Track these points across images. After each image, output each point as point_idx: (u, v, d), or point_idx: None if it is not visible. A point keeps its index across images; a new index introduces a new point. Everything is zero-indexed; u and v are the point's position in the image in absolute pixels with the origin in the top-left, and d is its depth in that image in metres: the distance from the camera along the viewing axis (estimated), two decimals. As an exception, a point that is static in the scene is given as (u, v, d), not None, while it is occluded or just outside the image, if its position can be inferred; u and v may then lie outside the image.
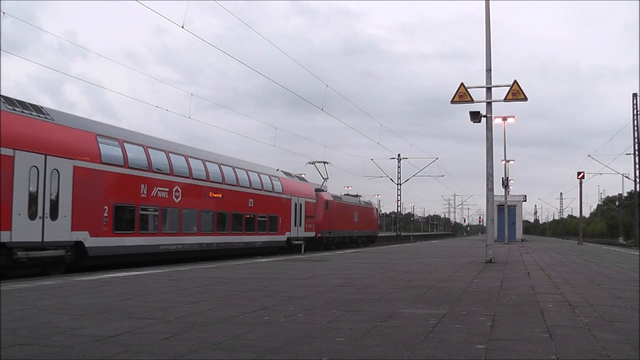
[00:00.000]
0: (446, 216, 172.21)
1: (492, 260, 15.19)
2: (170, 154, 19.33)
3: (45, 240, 13.66)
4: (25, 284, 9.17)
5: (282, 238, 27.66)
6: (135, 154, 17.41)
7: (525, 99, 15.39)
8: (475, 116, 15.51)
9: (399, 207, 63.95)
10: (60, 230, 14.18)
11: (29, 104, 14.42)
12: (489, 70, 15.77)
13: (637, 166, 47.57)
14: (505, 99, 15.54)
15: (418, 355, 3.97)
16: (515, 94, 15.34)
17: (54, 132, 14.45)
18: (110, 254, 16.08)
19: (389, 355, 3.97)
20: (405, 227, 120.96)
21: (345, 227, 38.10)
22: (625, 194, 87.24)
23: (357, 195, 45.42)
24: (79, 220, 14.75)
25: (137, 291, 7.98)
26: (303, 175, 33.52)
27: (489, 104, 15.76)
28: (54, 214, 14.00)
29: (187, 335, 4.66)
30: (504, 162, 40.63)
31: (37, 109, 14.54)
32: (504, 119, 33.63)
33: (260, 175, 26.01)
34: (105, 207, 15.82)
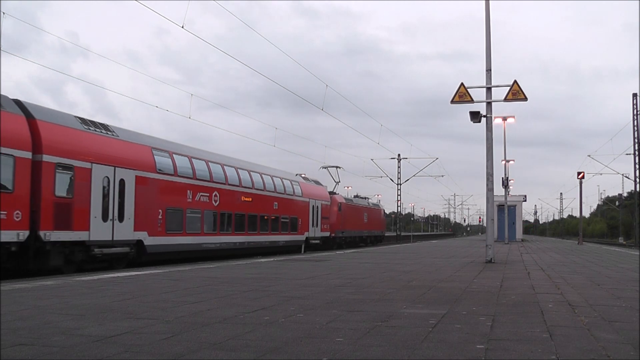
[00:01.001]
0: (446, 216, 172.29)
1: (492, 260, 15.19)
2: (209, 163, 21.70)
3: (114, 239, 15.99)
4: (25, 284, 9.17)
5: (302, 237, 29.95)
6: (182, 163, 19.80)
7: (525, 99, 15.39)
8: (475, 116, 15.51)
9: (399, 207, 63.93)
10: (126, 231, 16.48)
11: (99, 123, 16.67)
12: (489, 70, 15.76)
13: (637, 166, 47.57)
14: (505, 99, 15.53)
15: (418, 355, 3.97)
16: (515, 94, 15.33)
17: (120, 147, 16.82)
18: (164, 252, 18.33)
19: (389, 355, 3.97)
20: (405, 227, 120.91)
21: (356, 228, 40.40)
22: (625, 194, 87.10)
23: (365, 198, 47.16)
24: (140, 222, 17.06)
25: (137, 291, 7.98)
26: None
27: (489, 104, 15.76)
28: (120, 217, 16.27)
29: (187, 335, 4.66)
30: (504, 162, 40.64)
31: (105, 127, 16.81)
32: (504, 119, 33.62)
33: (283, 180, 28.44)
34: (160, 210, 18.20)
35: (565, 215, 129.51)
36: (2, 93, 13.77)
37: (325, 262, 15.32)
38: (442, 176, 63.38)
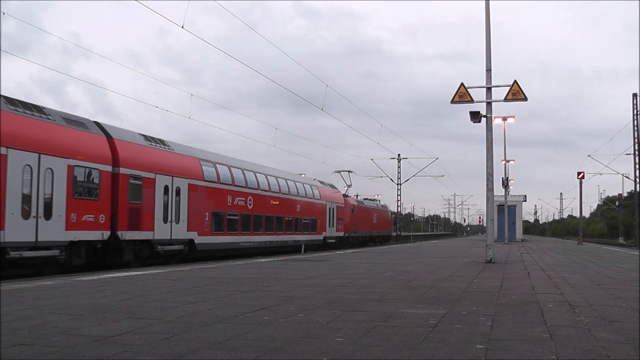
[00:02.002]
0: (446, 216, 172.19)
1: (492, 260, 15.18)
2: (244, 171, 24.53)
3: (172, 237, 18.70)
4: (25, 284, 9.17)
5: (320, 237, 33.07)
6: (223, 172, 22.53)
7: (525, 99, 15.38)
8: (475, 116, 15.50)
9: (399, 207, 63.89)
10: (181, 231, 19.20)
11: (157, 139, 19.32)
12: (489, 70, 15.76)
13: (637, 166, 47.57)
14: (505, 99, 15.53)
15: (418, 355, 3.97)
16: (515, 94, 15.33)
17: (175, 159, 19.53)
18: (210, 249, 20.97)
19: (389, 355, 3.97)
20: (406, 227, 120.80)
21: (367, 228, 43.61)
22: (625, 194, 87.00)
23: (374, 200, 50.69)
24: (192, 223, 19.77)
25: (137, 291, 7.98)
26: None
27: (489, 104, 15.75)
28: (177, 219, 18.96)
29: (187, 335, 4.66)
30: (504, 162, 40.63)
31: (162, 142, 19.51)
32: (504, 119, 33.59)
33: (304, 185, 31.44)
34: (207, 213, 20.93)
35: (565, 215, 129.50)
36: (86, 117, 16.58)
37: (325, 262, 15.32)
38: (442, 176, 63.27)
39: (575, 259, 18.19)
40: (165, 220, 18.27)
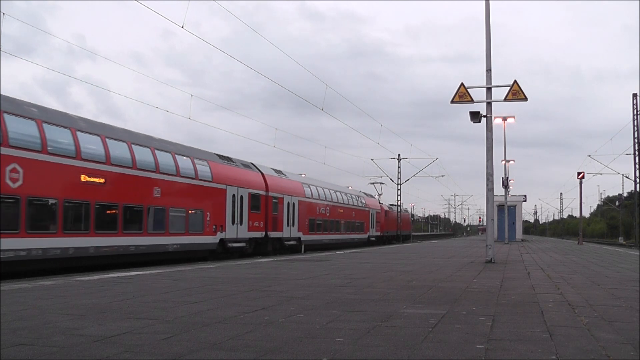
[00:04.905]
0: (446, 216, 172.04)
1: (492, 261, 15.18)
2: (324, 189, 34.91)
3: (290, 236, 28.76)
4: (25, 284, 9.17)
5: (365, 236, 43.19)
6: (313, 190, 32.99)
7: (525, 99, 15.37)
8: (475, 116, 15.50)
9: (399, 208, 63.76)
10: (295, 231, 29.42)
11: (279, 170, 29.50)
12: (489, 70, 15.75)
13: (637, 166, 47.55)
14: (505, 99, 15.52)
15: (418, 355, 3.98)
16: (515, 94, 15.32)
17: (290, 184, 29.77)
18: (309, 244, 30.63)
19: (389, 355, 3.97)
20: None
21: (394, 229, 54.50)
22: (625, 194, 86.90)
23: (399, 205, 58.09)
24: (300, 226, 30.14)
25: (137, 291, 7.98)
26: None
27: (489, 104, 15.74)
28: (292, 224, 28.97)
29: (187, 335, 4.66)
30: (504, 162, 40.60)
31: (281, 172, 29.69)
32: (504, 119, 33.53)
33: (356, 196, 41.95)
34: (306, 219, 31.35)
35: (565, 215, 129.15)
36: (246, 160, 26.57)
37: (325, 262, 15.32)
38: (442, 176, 63.27)
39: (575, 259, 18.19)
40: (287, 224, 28.20)
